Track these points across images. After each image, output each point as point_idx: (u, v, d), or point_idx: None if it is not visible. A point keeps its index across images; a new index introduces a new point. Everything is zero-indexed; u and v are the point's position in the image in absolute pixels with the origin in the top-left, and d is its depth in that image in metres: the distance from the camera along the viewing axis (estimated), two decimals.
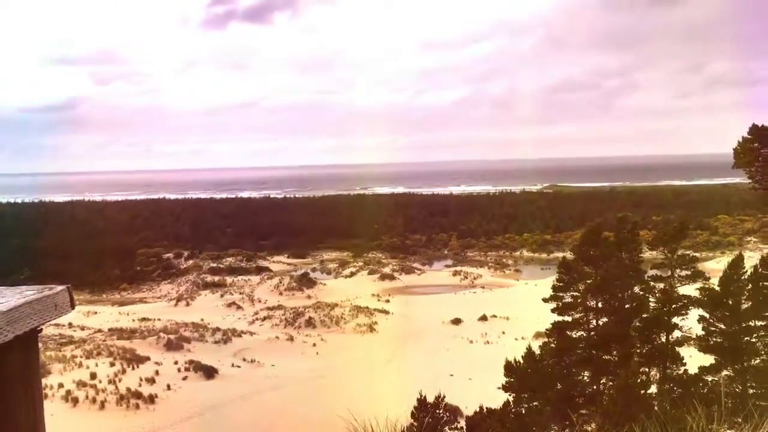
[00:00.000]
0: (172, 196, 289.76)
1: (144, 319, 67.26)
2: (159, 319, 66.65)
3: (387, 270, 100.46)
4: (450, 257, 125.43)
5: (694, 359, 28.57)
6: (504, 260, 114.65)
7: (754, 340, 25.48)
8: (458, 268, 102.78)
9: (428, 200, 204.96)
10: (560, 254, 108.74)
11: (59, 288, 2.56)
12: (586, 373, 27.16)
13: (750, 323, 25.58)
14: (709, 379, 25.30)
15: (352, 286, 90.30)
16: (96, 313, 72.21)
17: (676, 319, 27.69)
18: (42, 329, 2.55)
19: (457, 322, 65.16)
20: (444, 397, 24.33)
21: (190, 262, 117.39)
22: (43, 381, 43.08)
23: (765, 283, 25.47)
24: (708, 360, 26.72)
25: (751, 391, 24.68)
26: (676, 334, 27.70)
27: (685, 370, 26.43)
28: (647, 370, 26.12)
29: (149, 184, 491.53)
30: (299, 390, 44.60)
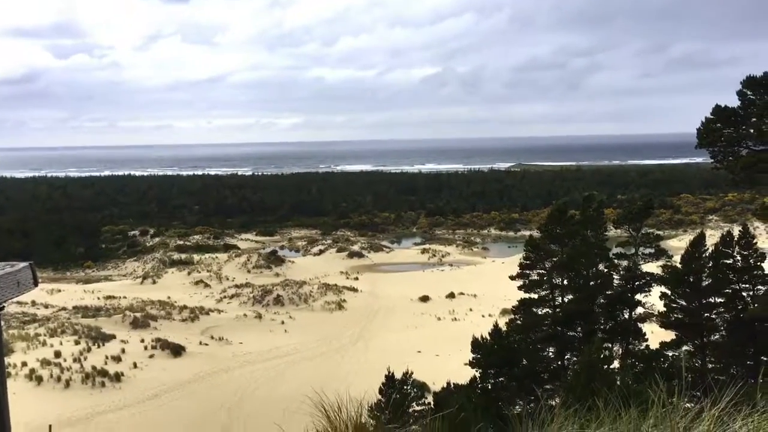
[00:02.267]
0: (137, 173, 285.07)
1: (109, 297, 66.42)
2: (125, 297, 65.89)
3: (356, 248, 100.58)
4: (419, 235, 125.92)
5: (655, 335, 29.30)
6: (472, 238, 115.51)
7: (713, 316, 26.20)
8: (427, 246, 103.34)
9: (397, 178, 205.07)
10: (527, 232, 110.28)
11: (21, 265, 2.49)
12: (551, 350, 27.65)
13: (710, 300, 26.28)
14: (670, 354, 25.97)
15: (320, 264, 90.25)
16: (60, 290, 71.07)
17: (639, 296, 28.30)
18: (4, 307, 2.49)
19: (425, 299, 65.66)
20: (412, 373, 24.58)
21: (157, 239, 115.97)
22: (6, 360, 42.27)
23: (725, 261, 26.14)
24: (669, 336, 27.43)
25: (710, 366, 25.43)
26: (639, 310, 28.33)
27: (647, 346, 27.09)
28: (610, 345, 26.69)
29: (113, 161, 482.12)
30: (268, 367, 44.64)
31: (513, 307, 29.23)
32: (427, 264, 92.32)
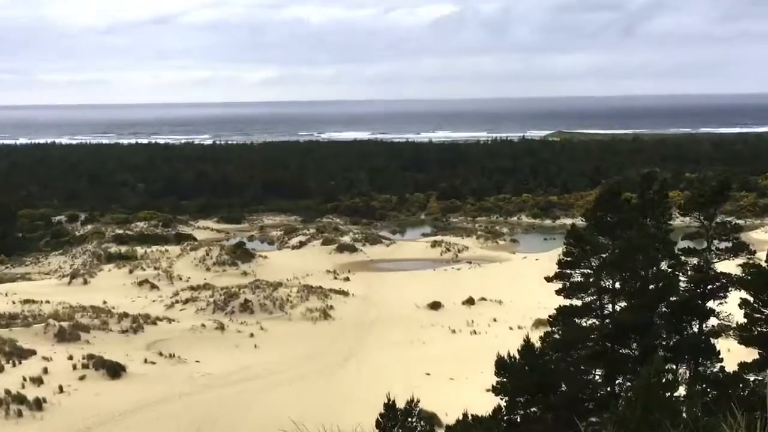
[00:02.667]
0: (64, 141, 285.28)
1: (28, 301, 66.56)
2: (48, 302, 66.03)
3: (347, 239, 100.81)
4: (428, 223, 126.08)
5: (733, 353, 29.39)
6: (497, 228, 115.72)
7: None
8: (438, 238, 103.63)
9: (400, 150, 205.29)
10: (568, 221, 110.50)
11: None
12: (598, 372, 27.77)
13: None
14: (752, 378, 26.04)
15: (301, 260, 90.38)
16: None
17: (711, 304, 28.39)
18: None
19: (435, 306, 65.89)
20: (418, 401, 24.67)
21: (89, 227, 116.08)
22: None
23: None
24: (751, 355, 27.49)
25: None
26: (712, 322, 28.42)
27: (722, 368, 27.19)
28: (674, 367, 26.80)
29: (30, 125, 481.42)
30: (233, 393, 44.84)
31: (549, 317, 29.30)
32: (439, 261, 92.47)
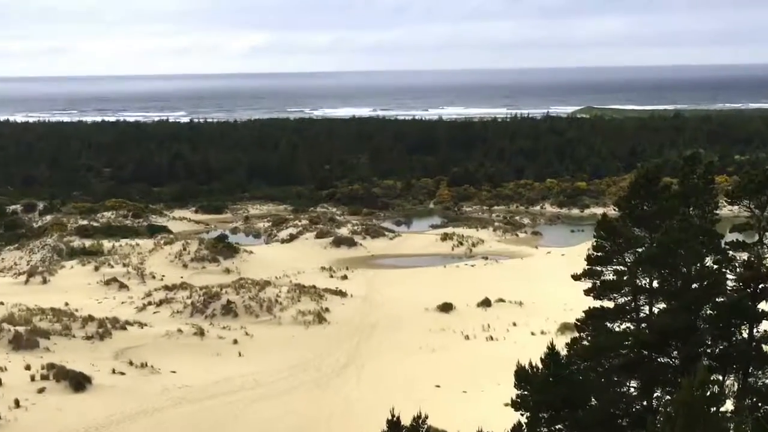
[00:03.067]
0: (20, 118, 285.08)
1: None
2: (1, 303, 66.12)
3: (344, 231, 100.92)
4: (438, 213, 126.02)
5: None
6: (517, 218, 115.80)
7: None
8: (450, 230, 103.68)
9: (406, 129, 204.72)
10: (599, 210, 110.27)
11: None
12: (633, 384, 27.78)
13: None
14: None
15: (292, 256, 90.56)
16: None
17: (764, 305, 28.35)
18: None
19: (446, 308, 65.93)
20: (426, 417, 24.71)
21: (48, 217, 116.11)
22: None
23: None
24: None
25: None
26: (764, 326, 28.38)
27: None
28: (721, 378, 26.79)
29: None
30: (214, 407, 44.93)
31: (577, 320, 29.30)
32: (450, 256, 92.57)
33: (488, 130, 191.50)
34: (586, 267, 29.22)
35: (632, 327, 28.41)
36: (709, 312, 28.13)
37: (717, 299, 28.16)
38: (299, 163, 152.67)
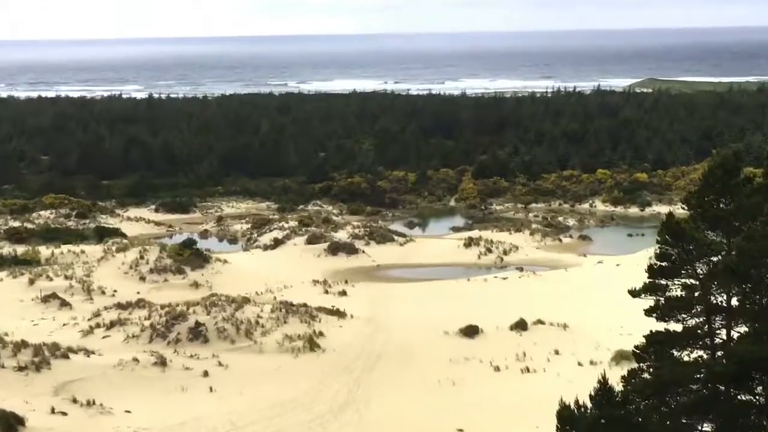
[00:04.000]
0: None
1: None
2: None
3: (343, 235, 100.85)
4: (460, 212, 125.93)
5: None
6: (560, 219, 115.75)
7: None
8: (475, 234, 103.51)
9: (420, 107, 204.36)
10: (663, 208, 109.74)
11: None
12: (707, 427, 27.66)
13: None
14: None
15: (277, 266, 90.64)
16: None
17: None
18: None
19: (471, 332, 65.74)
20: None
21: None
22: None
23: None
24: None
25: None
26: None
27: None
28: None
29: None
30: None
31: (636, 347, 29.22)
32: (477, 267, 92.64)
33: (523, 108, 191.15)
34: (648, 280, 29.12)
35: (705, 356, 28.32)
36: None
37: None
38: (286, 150, 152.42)
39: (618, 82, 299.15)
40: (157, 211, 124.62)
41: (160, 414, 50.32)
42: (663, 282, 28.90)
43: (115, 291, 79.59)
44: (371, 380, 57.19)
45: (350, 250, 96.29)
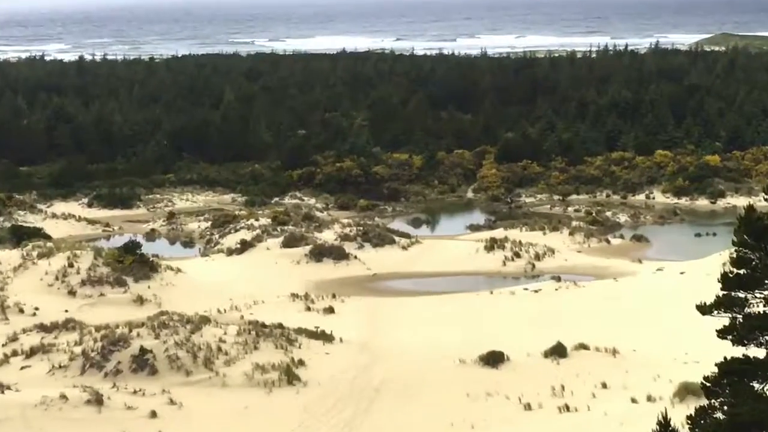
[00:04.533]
0: None
1: None
2: None
3: (329, 236, 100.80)
4: (480, 206, 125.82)
5: None
6: (608, 214, 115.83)
7: None
8: (499, 233, 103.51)
9: (429, 69, 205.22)
10: (741, 200, 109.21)
11: None
12: None
13: None
14: None
15: (244, 276, 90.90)
16: None
17: None
18: None
19: (495, 360, 65.68)
20: None
21: None
22: None
23: None
24: None
25: None
26: None
27: None
28: None
29: None
30: None
31: (706, 379, 29.20)
32: (501, 276, 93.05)
33: (560, 73, 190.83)
34: (721, 293, 29.07)
35: None
36: None
37: None
38: (256, 127, 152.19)
39: (682, 39, 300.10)
40: (90, 205, 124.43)
41: None
42: (741, 295, 28.81)
43: (36, 309, 79.41)
44: (367, 423, 57.22)
45: (339, 255, 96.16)
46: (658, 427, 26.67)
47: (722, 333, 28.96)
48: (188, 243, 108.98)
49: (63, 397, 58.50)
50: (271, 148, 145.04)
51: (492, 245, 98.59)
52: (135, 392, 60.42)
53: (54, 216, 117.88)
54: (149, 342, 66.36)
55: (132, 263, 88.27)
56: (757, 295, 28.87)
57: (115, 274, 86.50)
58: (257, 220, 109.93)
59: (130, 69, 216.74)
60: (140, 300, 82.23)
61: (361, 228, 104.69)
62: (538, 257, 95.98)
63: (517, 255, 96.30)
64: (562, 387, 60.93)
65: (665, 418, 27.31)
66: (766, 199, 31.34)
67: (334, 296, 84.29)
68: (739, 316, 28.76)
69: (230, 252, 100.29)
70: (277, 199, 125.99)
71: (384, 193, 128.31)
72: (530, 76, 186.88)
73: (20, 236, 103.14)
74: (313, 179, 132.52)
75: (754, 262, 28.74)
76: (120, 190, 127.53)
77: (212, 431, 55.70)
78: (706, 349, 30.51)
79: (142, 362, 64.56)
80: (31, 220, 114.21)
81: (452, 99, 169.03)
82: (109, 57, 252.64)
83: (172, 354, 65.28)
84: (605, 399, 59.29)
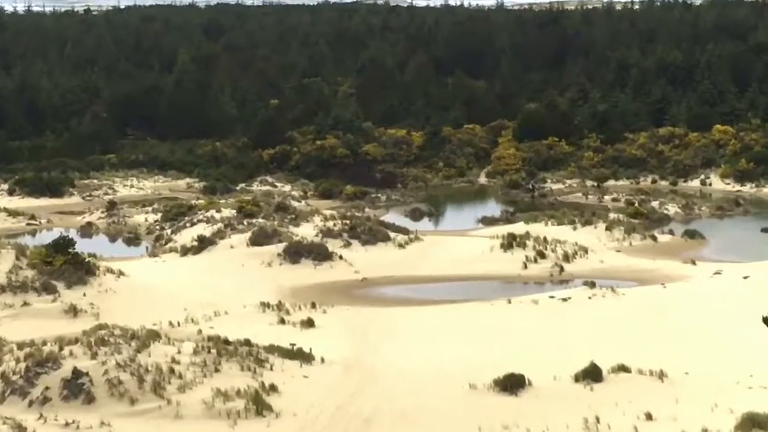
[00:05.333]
0: None
1: None
2: None
3: (309, 232, 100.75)
4: (494, 195, 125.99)
5: None
6: (655, 204, 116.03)
7: None
8: (518, 228, 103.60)
9: (432, 25, 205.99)
10: None
11: None
12: None
13: None
14: None
15: (203, 280, 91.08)
16: None
17: None
18: None
19: (514, 385, 65.62)
20: None
21: None
22: None
23: None
24: None
25: None
26: None
27: None
28: None
29: None
30: None
31: None
32: (521, 281, 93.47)
33: (595, 29, 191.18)
34: None
35: None
36: None
37: None
38: (217, 96, 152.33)
39: None
40: (11, 193, 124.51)
41: None
42: None
43: None
44: None
45: (320, 255, 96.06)
46: None
47: None
48: (133, 240, 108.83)
49: None
50: (237, 122, 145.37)
51: (510, 243, 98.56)
52: (67, 425, 60.33)
53: None
54: (85, 363, 66.16)
55: (63, 265, 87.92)
56: None
57: (42, 278, 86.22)
58: (219, 211, 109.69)
59: (61, 23, 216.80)
60: (73, 310, 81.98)
61: (348, 221, 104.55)
62: (567, 258, 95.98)
63: (542, 255, 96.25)
64: (597, 419, 60.81)
65: None
66: None
67: (313, 306, 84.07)
68: None
69: (185, 251, 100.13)
70: (243, 185, 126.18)
71: (376, 178, 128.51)
72: (558, 33, 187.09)
73: None
74: (288, 161, 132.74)
75: None
76: (48, 173, 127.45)
77: None
78: None
79: (76, 388, 64.37)
80: None
81: (461, 61, 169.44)
82: (34, 8, 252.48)
83: (113, 377, 65.07)
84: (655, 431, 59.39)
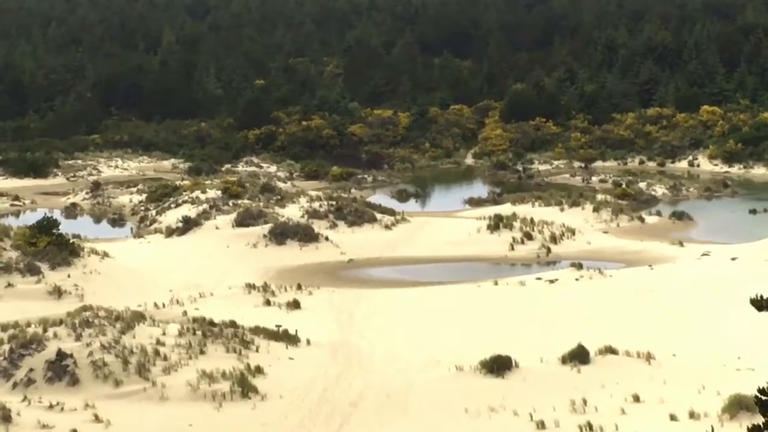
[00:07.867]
0: None
1: None
2: None
3: (294, 213, 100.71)
4: (482, 176, 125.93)
5: None
6: (642, 185, 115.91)
7: None
8: (506, 209, 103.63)
9: (419, 4, 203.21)
10: None
11: None
12: None
13: None
14: None
15: (188, 261, 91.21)
16: None
17: None
18: None
19: (500, 366, 65.63)
20: None
21: None
22: None
23: None
24: None
25: None
26: None
27: None
28: None
29: None
30: None
31: (762, 390, 29.35)
32: (508, 262, 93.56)
33: (583, 8, 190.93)
34: None
35: None
36: None
37: None
38: (202, 76, 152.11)
39: None
40: None
41: None
42: None
43: None
44: None
45: (306, 236, 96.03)
46: None
47: None
48: (118, 221, 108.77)
49: None
50: (222, 102, 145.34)
51: (497, 224, 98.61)
52: (51, 407, 60.23)
53: None
54: (69, 344, 66.09)
55: (47, 246, 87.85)
56: None
57: (25, 259, 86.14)
58: (204, 192, 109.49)
59: (45, 3, 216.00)
60: (58, 292, 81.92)
61: (334, 202, 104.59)
62: (554, 239, 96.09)
63: (528, 236, 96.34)
64: (584, 401, 60.88)
65: None
66: None
67: (299, 287, 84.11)
68: None
69: (170, 232, 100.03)
70: (228, 165, 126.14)
71: (362, 158, 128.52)
72: (545, 14, 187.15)
73: None
74: (273, 141, 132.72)
75: None
76: (32, 154, 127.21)
77: None
78: (763, 354, 30.57)
79: (60, 370, 64.28)
80: None
81: (448, 42, 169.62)
82: None
83: (98, 359, 65.00)
84: (637, 416, 59.29)
